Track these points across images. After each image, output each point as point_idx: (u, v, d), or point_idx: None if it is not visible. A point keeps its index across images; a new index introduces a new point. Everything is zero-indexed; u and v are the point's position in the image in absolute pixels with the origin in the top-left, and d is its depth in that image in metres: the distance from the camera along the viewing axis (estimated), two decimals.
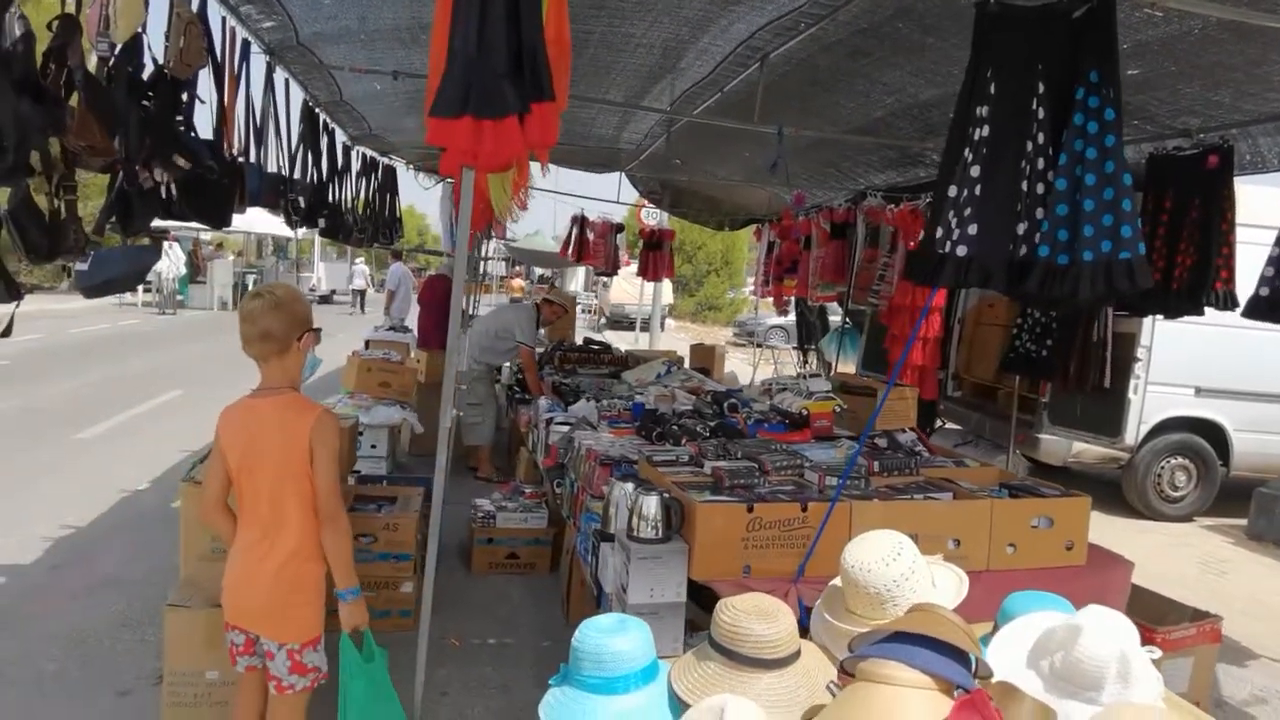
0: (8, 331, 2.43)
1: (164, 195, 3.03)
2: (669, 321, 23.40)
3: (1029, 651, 1.65)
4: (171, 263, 18.65)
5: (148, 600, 4.12)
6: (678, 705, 1.63)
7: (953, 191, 2.40)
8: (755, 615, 1.68)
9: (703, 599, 2.73)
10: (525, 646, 3.98)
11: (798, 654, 1.70)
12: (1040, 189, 2.40)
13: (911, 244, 5.26)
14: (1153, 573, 5.05)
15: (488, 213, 2.80)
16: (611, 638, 1.73)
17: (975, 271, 2.38)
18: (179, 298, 19.82)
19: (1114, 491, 7.39)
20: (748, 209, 9.05)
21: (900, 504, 2.89)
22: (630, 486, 2.85)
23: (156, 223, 3.15)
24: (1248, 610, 5.25)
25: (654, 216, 12.78)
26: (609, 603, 2.83)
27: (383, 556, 3.98)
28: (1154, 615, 3.70)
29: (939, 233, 2.41)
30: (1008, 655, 1.66)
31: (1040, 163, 2.39)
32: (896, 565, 1.75)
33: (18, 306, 2.30)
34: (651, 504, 2.70)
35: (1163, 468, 7.28)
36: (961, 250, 2.36)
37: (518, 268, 27.32)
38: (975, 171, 2.37)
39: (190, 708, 2.81)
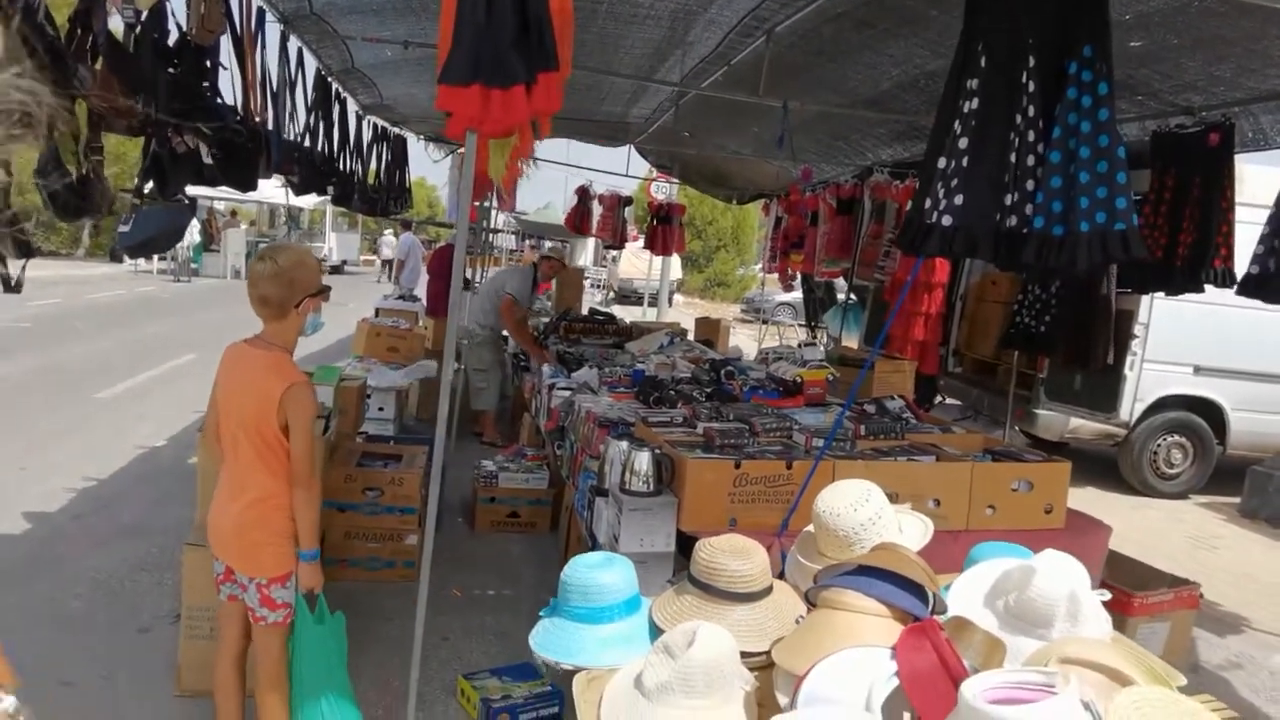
0: (19, 287, 2.50)
1: (199, 160, 3.12)
2: (677, 297, 23.40)
3: (986, 593, 1.77)
4: (186, 231, 18.83)
5: (164, 547, 4.31)
6: (658, 634, 1.76)
7: (941, 163, 2.44)
8: (731, 553, 1.81)
9: (690, 552, 2.86)
10: (523, 598, 4.14)
11: (770, 589, 1.82)
12: (1030, 161, 2.41)
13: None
14: (1145, 547, 5.15)
15: (486, 178, 2.90)
16: (597, 572, 1.86)
17: (961, 241, 2.43)
18: (193, 265, 20.03)
19: (1110, 467, 7.47)
20: (756, 183, 9.06)
21: (883, 464, 2.98)
22: (625, 444, 2.96)
23: (189, 190, 3.26)
24: (1236, 584, 5.35)
25: (663, 190, 12.74)
26: None
27: (389, 509, 4.14)
28: (1134, 581, 3.81)
29: (926, 203, 2.46)
30: (966, 596, 1.78)
31: (1030, 135, 2.40)
32: (864, 510, 1.86)
33: (26, 264, 2.42)
34: (644, 459, 2.82)
35: (1159, 445, 7.34)
36: (947, 220, 2.40)
37: (529, 241, 27.37)
38: (963, 144, 2.41)
39: (206, 640, 2.96)
